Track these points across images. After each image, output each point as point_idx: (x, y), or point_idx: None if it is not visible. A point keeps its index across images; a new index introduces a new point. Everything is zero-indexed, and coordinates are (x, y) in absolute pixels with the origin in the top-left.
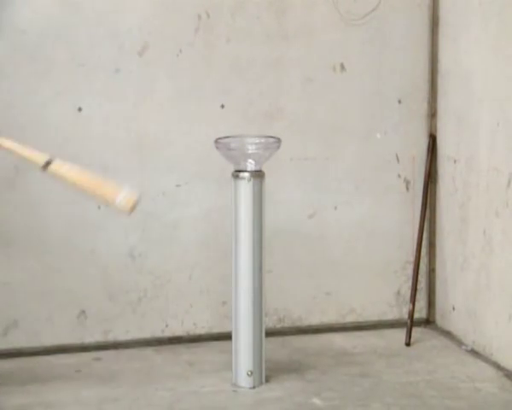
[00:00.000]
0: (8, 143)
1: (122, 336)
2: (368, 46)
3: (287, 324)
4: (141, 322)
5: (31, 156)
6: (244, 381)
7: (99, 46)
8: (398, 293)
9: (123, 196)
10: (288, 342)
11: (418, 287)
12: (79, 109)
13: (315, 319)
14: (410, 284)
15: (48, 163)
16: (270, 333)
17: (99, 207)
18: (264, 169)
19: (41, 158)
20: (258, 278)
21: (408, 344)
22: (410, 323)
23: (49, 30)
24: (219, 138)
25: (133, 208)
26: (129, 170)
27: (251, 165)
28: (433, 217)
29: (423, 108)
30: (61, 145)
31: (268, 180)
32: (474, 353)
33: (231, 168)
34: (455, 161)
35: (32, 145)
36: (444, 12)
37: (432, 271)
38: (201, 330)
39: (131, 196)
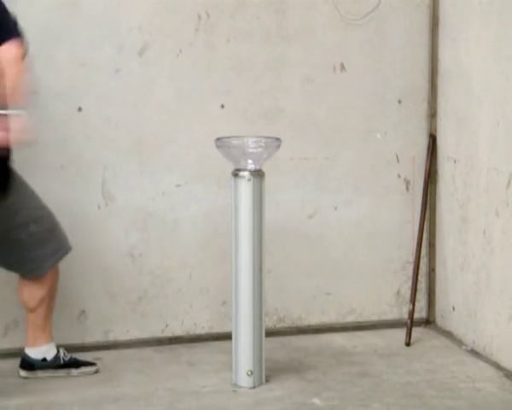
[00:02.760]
0: None
1: (122, 336)
2: (368, 46)
3: (287, 324)
4: (141, 322)
5: None
6: (244, 381)
7: (99, 46)
8: (398, 293)
9: None
10: (288, 342)
11: (418, 287)
12: (79, 109)
13: (315, 319)
14: (410, 284)
15: None
16: (270, 333)
17: (99, 207)
18: (264, 169)
19: None
20: (258, 278)
21: (408, 344)
22: (410, 323)
23: (49, 30)
24: (220, 138)
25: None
26: (129, 170)
27: (251, 164)
28: (433, 217)
29: (423, 108)
30: (61, 145)
31: (268, 180)
32: (474, 353)
33: (231, 168)
34: (455, 161)
35: (32, 145)
36: (444, 12)
37: (432, 271)
38: (201, 330)
39: None
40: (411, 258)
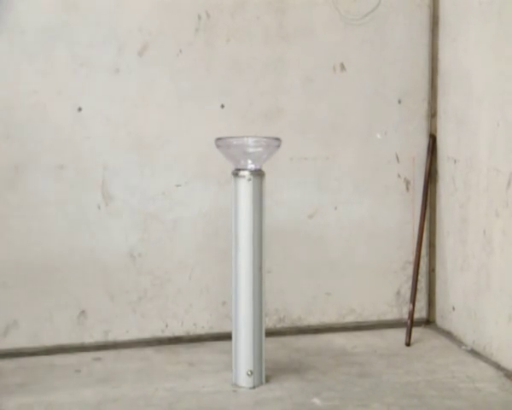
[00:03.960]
0: None
1: (122, 336)
2: (368, 46)
3: (287, 324)
4: (141, 322)
5: None
6: (244, 381)
7: (99, 46)
8: (398, 293)
9: None
10: (288, 342)
11: (418, 287)
12: (79, 109)
13: (315, 319)
14: (410, 284)
15: None
16: (270, 333)
17: (99, 207)
18: (264, 169)
19: None
20: (258, 278)
21: (408, 344)
22: (410, 323)
23: (49, 30)
24: (220, 138)
25: None
26: (129, 170)
27: (251, 164)
28: (433, 217)
29: (423, 108)
30: (61, 145)
31: (268, 180)
32: (474, 353)
33: (231, 168)
34: (455, 161)
35: (32, 145)
36: (444, 12)
37: (432, 271)
38: (201, 330)
39: None
40: (411, 258)
